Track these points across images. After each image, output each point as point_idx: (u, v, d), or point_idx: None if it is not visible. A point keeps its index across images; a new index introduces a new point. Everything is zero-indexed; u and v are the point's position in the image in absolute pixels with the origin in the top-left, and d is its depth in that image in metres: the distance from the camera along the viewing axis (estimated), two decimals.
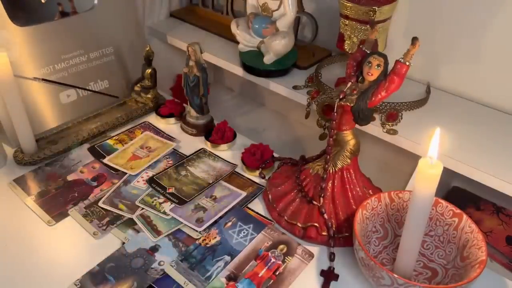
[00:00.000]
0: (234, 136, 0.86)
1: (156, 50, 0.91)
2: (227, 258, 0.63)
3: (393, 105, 0.76)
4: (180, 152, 0.83)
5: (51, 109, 0.84)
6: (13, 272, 0.61)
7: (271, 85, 0.89)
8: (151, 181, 0.76)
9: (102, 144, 0.85)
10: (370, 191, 0.68)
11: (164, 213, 0.70)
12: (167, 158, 0.82)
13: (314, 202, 0.67)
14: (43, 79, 0.82)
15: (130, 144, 0.85)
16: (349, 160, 0.66)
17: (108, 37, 0.90)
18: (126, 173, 0.77)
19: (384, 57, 0.57)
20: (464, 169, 0.68)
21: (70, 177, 0.77)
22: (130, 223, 0.68)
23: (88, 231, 0.67)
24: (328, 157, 0.64)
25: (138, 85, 0.93)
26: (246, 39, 0.89)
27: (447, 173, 0.62)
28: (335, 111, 0.60)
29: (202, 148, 0.84)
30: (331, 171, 0.66)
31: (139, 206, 0.71)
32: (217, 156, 0.83)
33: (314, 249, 0.65)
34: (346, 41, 0.77)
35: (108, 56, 0.90)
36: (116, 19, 0.91)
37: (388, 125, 0.75)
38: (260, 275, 0.61)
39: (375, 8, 0.70)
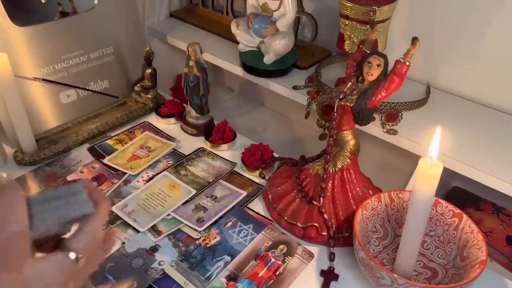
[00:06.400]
0: (234, 136, 0.86)
1: (156, 50, 0.91)
2: (227, 258, 0.63)
3: (393, 105, 0.76)
4: (180, 152, 0.83)
5: (51, 109, 0.84)
6: None
7: (271, 85, 0.89)
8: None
9: (102, 144, 0.85)
10: (370, 191, 0.68)
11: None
12: (167, 158, 0.82)
13: (314, 202, 0.67)
14: (43, 79, 0.82)
15: (130, 144, 0.85)
16: (349, 160, 0.66)
17: (108, 37, 0.90)
18: (126, 173, 0.78)
19: (384, 57, 0.57)
20: (464, 169, 0.68)
21: (70, 177, 0.77)
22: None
23: None
24: (328, 157, 0.64)
25: (138, 85, 0.93)
26: (246, 39, 0.89)
27: (447, 173, 0.62)
28: (335, 111, 0.60)
29: (201, 147, 0.84)
30: (331, 171, 0.66)
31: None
32: (216, 155, 0.83)
33: (314, 249, 0.65)
34: (346, 41, 0.77)
35: (108, 56, 0.90)
36: (116, 19, 0.91)
37: (388, 125, 0.75)
38: (260, 275, 0.61)
39: (375, 8, 0.70)
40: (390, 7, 0.72)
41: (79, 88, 0.87)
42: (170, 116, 0.91)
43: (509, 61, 0.76)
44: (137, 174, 0.78)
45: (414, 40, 0.54)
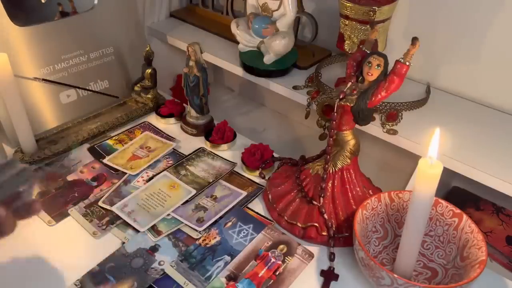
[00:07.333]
0: (234, 136, 0.86)
1: (156, 50, 0.91)
2: (227, 258, 0.63)
3: (393, 105, 0.76)
4: (180, 152, 0.83)
5: (51, 109, 0.84)
6: (13, 273, 0.61)
7: (271, 85, 0.89)
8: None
9: (102, 144, 0.85)
10: (370, 191, 0.68)
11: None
12: (167, 158, 0.82)
13: (314, 202, 0.67)
14: (43, 79, 0.82)
15: (130, 144, 0.85)
16: (349, 160, 0.66)
17: (108, 37, 0.90)
18: (126, 173, 0.77)
19: (384, 57, 0.57)
20: (464, 169, 0.68)
21: (70, 177, 0.77)
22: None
23: (88, 231, 0.67)
24: (328, 157, 0.64)
25: (138, 85, 0.93)
26: (246, 39, 0.89)
27: (447, 173, 0.62)
28: (335, 111, 0.60)
29: (201, 147, 0.84)
30: (331, 171, 0.66)
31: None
32: (216, 155, 0.83)
33: (314, 249, 0.65)
34: (346, 41, 0.77)
35: (108, 56, 0.90)
36: (116, 19, 0.91)
37: (388, 125, 0.75)
38: (260, 275, 0.61)
39: (375, 8, 0.70)
40: (390, 7, 0.72)
41: (79, 88, 0.87)
42: (170, 116, 0.91)
43: (509, 61, 0.77)
44: (137, 174, 0.78)
45: (414, 40, 0.54)
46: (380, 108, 0.76)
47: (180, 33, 1.07)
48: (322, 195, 0.66)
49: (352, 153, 0.66)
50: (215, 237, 0.66)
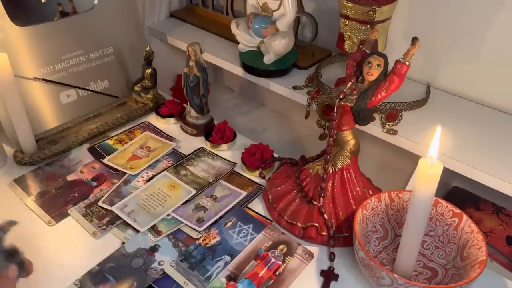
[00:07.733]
0: (234, 136, 0.86)
1: (156, 50, 0.91)
2: (227, 258, 0.63)
3: (393, 105, 0.76)
4: (180, 152, 0.83)
5: (51, 109, 0.84)
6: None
7: (271, 85, 0.89)
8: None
9: (102, 144, 0.85)
10: (370, 191, 0.68)
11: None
12: (167, 158, 0.82)
13: (314, 202, 0.67)
14: (43, 79, 0.82)
15: (130, 144, 0.85)
16: (349, 160, 0.66)
17: (108, 37, 0.90)
18: (126, 173, 0.77)
19: (384, 57, 0.57)
20: (464, 169, 0.68)
21: (70, 177, 0.77)
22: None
23: (88, 231, 0.67)
24: (328, 157, 0.64)
25: (138, 85, 0.93)
26: (246, 39, 0.89)
27: (447, 173, 0.62)
28: (335, 111, 0.60)
29: (201, 147, 0.84)
30: (331, 171, 0.66)
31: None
32: (216, 155, 0.83)
33: (314, 249, 0.65)
34: (346, 41, 0.77)
35: (108, 56, 0.90)
36: (116, 19, 0.91)
37: (388, 125, 0.75)
38: (260, 275, 0.61)
39: (375, 8, 0.70)
40: (390, 7, 0.72)
41: (79, 88, 0.87)
42: (170, 116, 0.91)
43: (509, 61, 0.77)
44: (137, 174, 0.78)
45: (414, 40, 0.54)
46: (380, 108, 0.76)
47: (180, 33, 1.07)
48: (322, 195, 0.66)
49: (352, 153, 0.66)
50: (215, 237, 0.66)
